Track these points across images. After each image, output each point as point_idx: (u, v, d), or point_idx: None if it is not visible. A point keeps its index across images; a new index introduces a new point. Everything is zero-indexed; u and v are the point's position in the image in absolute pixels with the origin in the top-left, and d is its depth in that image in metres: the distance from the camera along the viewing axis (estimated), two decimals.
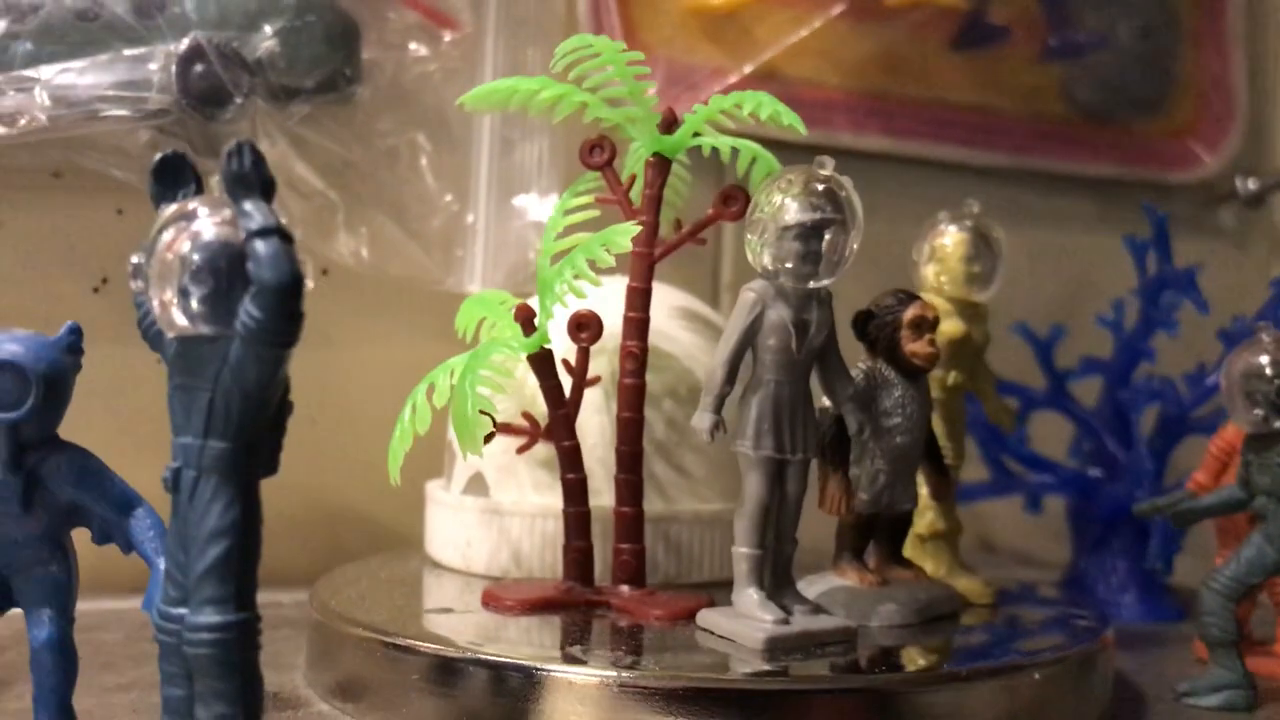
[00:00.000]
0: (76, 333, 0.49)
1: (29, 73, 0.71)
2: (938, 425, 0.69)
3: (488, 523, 0.69)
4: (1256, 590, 0.67)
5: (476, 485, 0.71)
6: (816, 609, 0.59)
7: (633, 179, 0.64)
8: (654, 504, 0.67)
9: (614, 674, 0.53)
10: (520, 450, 0.64)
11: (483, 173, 0.85)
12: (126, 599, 0.76)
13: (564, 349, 0.63)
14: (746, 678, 0.52)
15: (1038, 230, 1.14)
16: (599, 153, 0.64)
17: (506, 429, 0.64)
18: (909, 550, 0.70)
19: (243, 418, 0.43)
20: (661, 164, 0.64)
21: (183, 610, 0.43)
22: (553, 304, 0.61)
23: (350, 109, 0.82)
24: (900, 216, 1.07)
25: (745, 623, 0.57)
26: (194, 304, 0.43)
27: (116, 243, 0.82)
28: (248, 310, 0.42)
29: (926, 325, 0.63)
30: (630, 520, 0.63)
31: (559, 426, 0.63)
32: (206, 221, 0.44)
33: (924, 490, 0.70)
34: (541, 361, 0.63)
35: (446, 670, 0.55)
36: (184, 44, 0.73)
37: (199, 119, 0.74)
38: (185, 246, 0.43)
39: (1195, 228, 1.17)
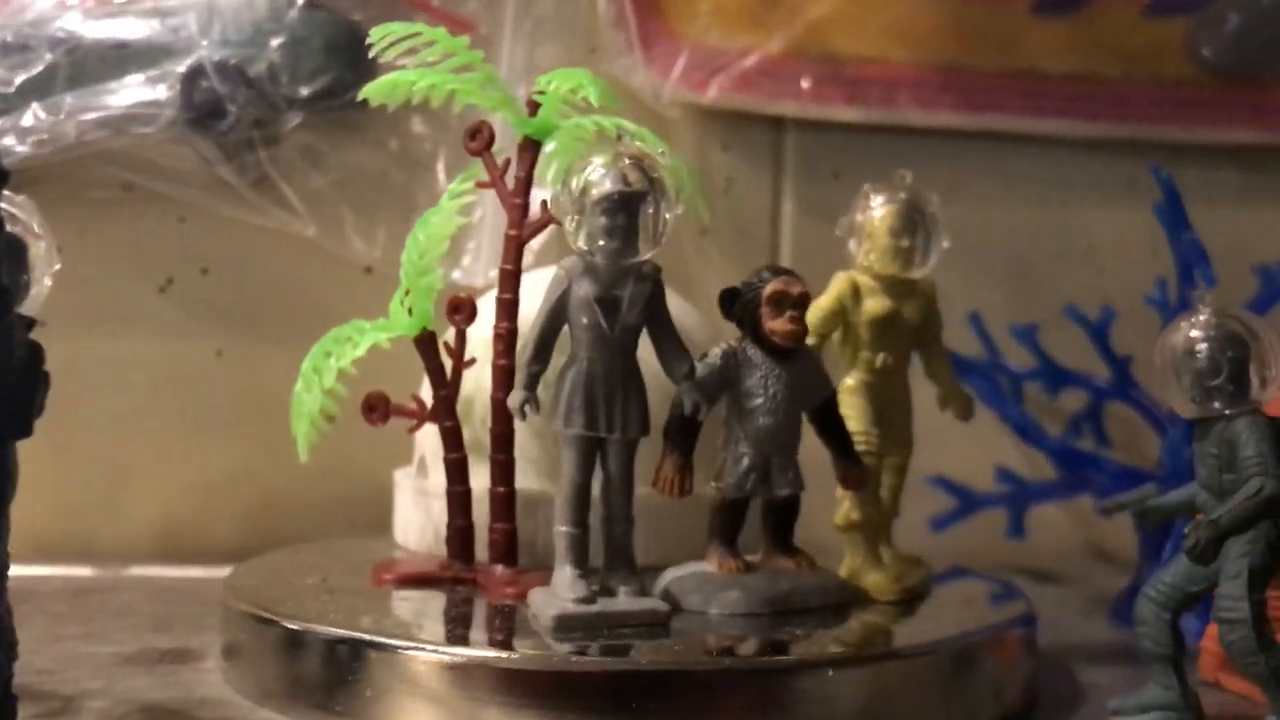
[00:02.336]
0: None
1: (58, 97, 0.81)
2: (860, 409, 0.66)
3: (418, 503, 0.72)
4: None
5: (422, 468, 0.74)
6: (643, 591, 0.58)
7: (507, 163, 0.65)
8: None
9: (413, 646, 0.54)
10: (410, 431, 0.67)
11: None
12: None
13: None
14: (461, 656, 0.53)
15: None
16: (478, 138, 0.65)
17: (398, 411, 0.66)
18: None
19: None
20: (531, 146, 0.64)
21: None
22: (428, 286, 0.64)
23: (363, 115, 0.86)
24: (989, 197, 1.01)
25: (550, 600, 0.56)
26: None
27: (179, 247, 0.91)
28: None
29: (788, 302, 0.60)
30: (503, 500, 0.64)
31: (441, 408, 0.65)
32: None
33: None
34: (424, 344, 0.65)
35: (290, 640, 0.58)
36: (186, 64, 0.81)
37: (200, 132, 0.81)
38: None
39: None
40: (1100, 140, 1.00)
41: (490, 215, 0.87)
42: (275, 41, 0.83)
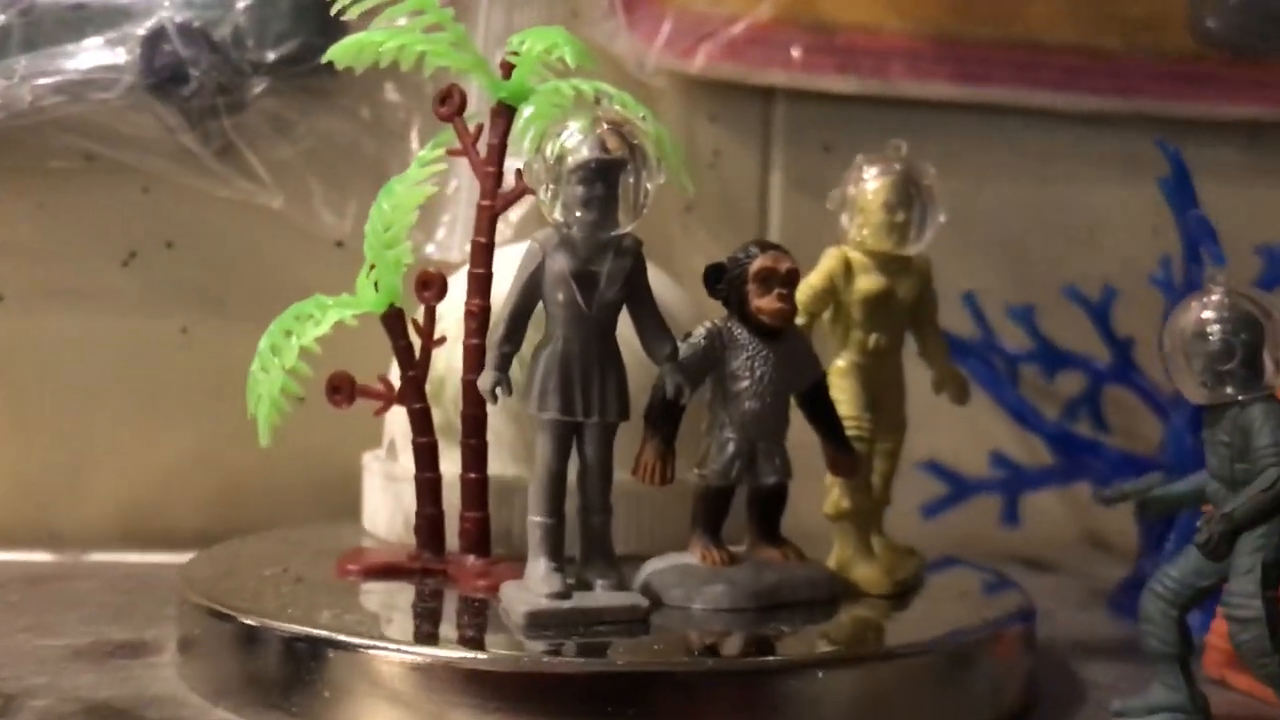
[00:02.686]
0: None
1: (12, 60, 0.77)
2: (853, 392, 0.62)
3: (387, 488, 0.68)
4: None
5: (393, 450, 0.70)
6: (621, 585, 0.54)
7: (480, 129, 0.61)
8: None
9: (375, 645, 0.51)
10: (376, 413, 0.63)
11: None
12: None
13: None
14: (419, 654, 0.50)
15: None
16: (449, 103, 0.61)
17: (364, 392, 0.63)
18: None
19: None
20: (504, 111, 0.60)
21: None
22: (396, 259, 0.60)
23: (332, 81, 0.82)
24: (984, 172, 0.98)
25: (522, 595, 0.53)
26: None
27: (142, 220, 0.87)
28: None
29: (776, 279, 0.56)
30: (474, 486, 0.60)
31: (409, 389, 0.61)
32: None
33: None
34: (392, 322, 0.62)
35: (246, 636, 0.55)
36: (147, 25, 0.77)
37: (161, 98, 0.77)
38: None
39: None
40: (1099, 114, 0.97)
41: (465, 186, 0.84)
42: (241, 3, 0.79)
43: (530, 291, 0.53)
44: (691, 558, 0.57)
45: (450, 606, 0.57)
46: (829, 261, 0.63)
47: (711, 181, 0.93)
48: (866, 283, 0.63)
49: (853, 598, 0.59)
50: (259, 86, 0.79)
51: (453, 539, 0.61)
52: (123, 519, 0.87)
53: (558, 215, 0.53)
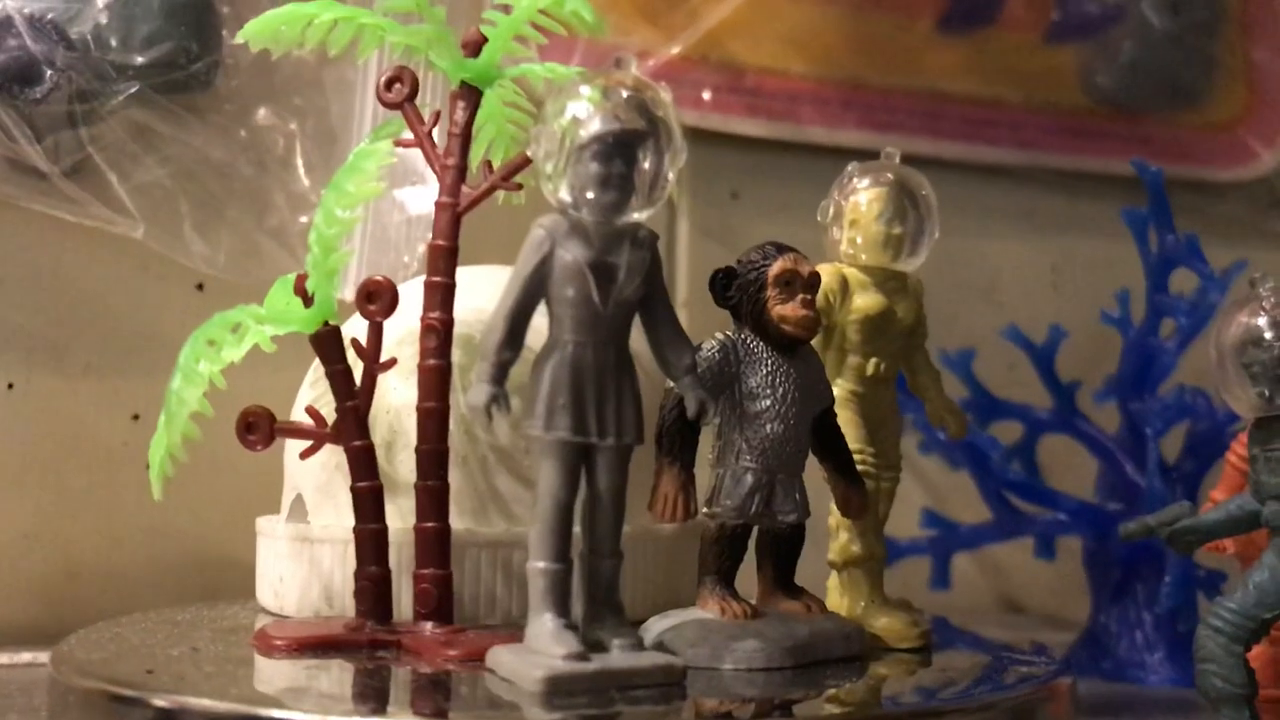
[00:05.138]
0: None
1: None
2: (853, 424, 0.55)
3: (298, 553, 0.57)
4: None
5: (298, 510, 0.59)
6: (640, 645, 0.45)
7: (436, 117, 0.52)
8: (495, 525, 0.55)
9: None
10: (304, 455, 0.52)
11: None
12: None
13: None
14: None
15: (1062, 238, 0.99)
16: (397, 88, 0.52)
17: (285, 430, 0.52)
18: (831, 581, 0.56)
19: None
20: (469, 94, 0.52)
21: None
22: (332, 267, 0.50)
23: (207, 95, 0.72)
24: None
25: (530, 659, 0.43)
26: None
27: None
28: None
29: (800, 283, 0.49)
30: (432, 539, 0.50)
31: (348, 422, 0.51)
32: None
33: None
34: (326, 341, 0.51)
35: None
36: None
37: (5, 99, 0.65)
38: None
39: (1251, 232, 1.01)
40: (999, 166, 0.96)
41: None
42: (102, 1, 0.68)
43: (535, 286, 0.44)
44: (705, 612, 0.48)
45: (418, 683, 0.46)
46: (823, 278, 0.56)
47: None
48: (865, 301, 0.56)
49: (879, 654, 0.51)
50: (123, 94, 0.67)
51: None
52: None
53: (564, 196, 0.44)
